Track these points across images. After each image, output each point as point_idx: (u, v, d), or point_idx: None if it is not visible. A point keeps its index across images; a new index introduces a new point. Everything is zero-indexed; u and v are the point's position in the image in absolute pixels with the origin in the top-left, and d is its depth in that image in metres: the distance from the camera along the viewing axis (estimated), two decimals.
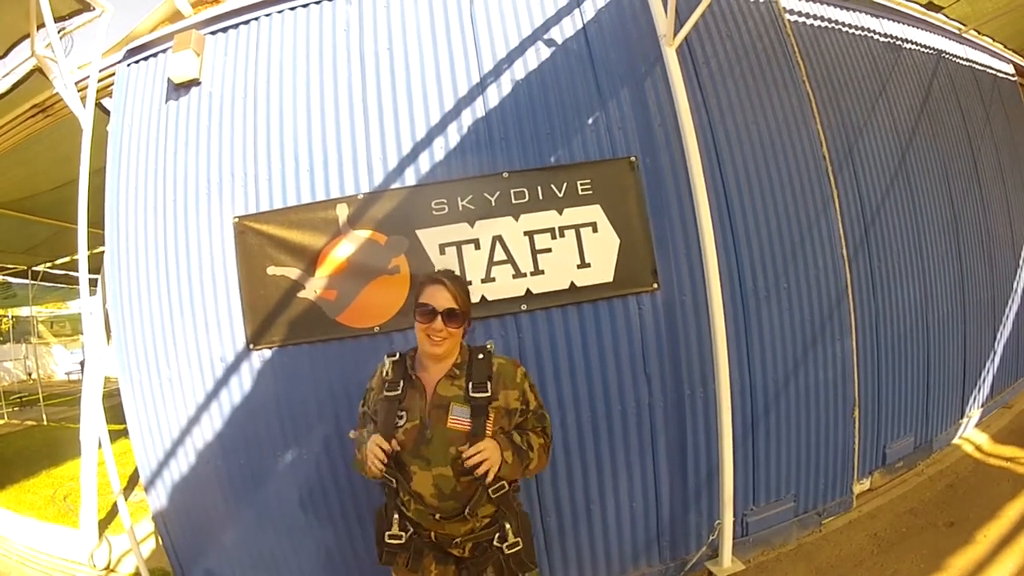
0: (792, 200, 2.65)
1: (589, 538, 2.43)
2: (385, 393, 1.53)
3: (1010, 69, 4.63)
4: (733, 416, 2.39)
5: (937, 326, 3.24)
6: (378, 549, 1.56)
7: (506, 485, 1.50)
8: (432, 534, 1.51)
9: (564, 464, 2.36)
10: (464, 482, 1.45)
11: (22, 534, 3.71)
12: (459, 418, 1.48)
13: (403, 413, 1.50)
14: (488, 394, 1.51)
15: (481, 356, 1.58)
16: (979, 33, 4.23)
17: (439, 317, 1.49)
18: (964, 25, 4.04)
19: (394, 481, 1.48)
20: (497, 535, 1.53)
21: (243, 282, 2.37)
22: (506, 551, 1.52)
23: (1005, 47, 4.54)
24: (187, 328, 2.42)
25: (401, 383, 1.53)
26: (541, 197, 2.36)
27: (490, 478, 1.42)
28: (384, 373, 1.57)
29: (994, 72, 4.40)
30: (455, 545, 1.51)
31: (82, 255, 2.71)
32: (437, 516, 1.46)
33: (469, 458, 1.40)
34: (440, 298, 1.51)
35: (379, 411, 1.52)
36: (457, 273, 1.64)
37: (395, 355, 1.61)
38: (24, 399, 10.66)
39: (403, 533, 1.51)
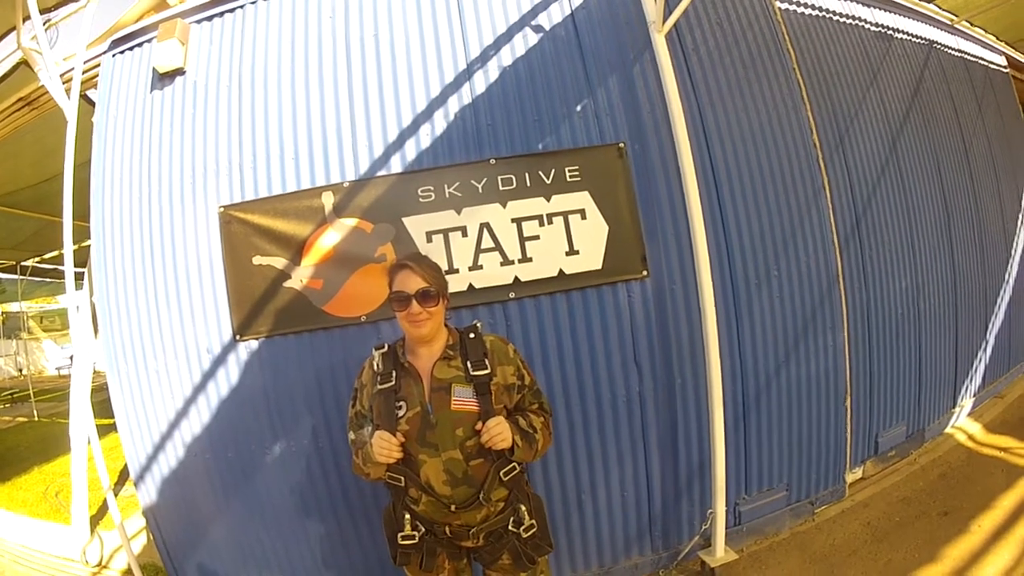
0: (783, 188, 2.64)
1: (581, 528, 2.41)
2: (379, 386, 1.50)
3: (1002, 61, 4.63)
4: (724, 405, 2.38)
5: (929, 315, 3.23)
6: (391, 551, 1.54)
7: (517, 467, 1.50)
8: (447, 528, 1.49)
9: (554, 454, 2.35)
10: (474, 465, 1.44)
11: (14, 531, 3.69)
12: (462, 399, 1.47)
13: (401, 403, 1.47)
14: (488, 371, 1.50)
15: (472, 335, 1.57)
16: (971, 24, 4.22)
17: (413, 301, 1.47)
18: (956, 16, 4.04)
19: (401, 480, 1.47)
20: (512, 519, 1.51)
21: (228, 272, 2.34)
22: (523, 534, 1.51)
23: (997, 39, 4.54)
24: (173, 320, 2.39)
25: (393, 373, 1.51)
26: (529, 184, 2.34)
27: (507, 445, 1.42)
28: (375, 366, 1.54)
29: (986, 63, 4.39)
30: (470, 536, 1.49)
31: (68, 249, 2.68)
32: (452, 507, 1.44)
33: (484, 436, 1.41)
34: (410, 282, 1.49)
35: (376, 406, 1.49)
36: (423, 254, 1.62)
37: (383, 346, 1.58)
38: (15, 395, 10.60)
39: (415, 533, 1.49)
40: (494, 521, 1.50)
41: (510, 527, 1.51)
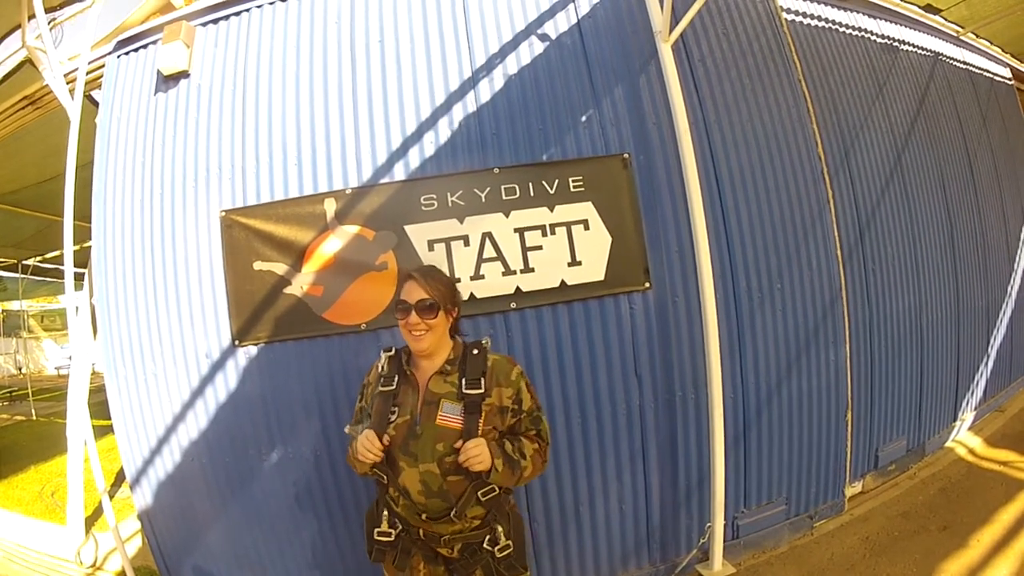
0: (787, 201, 2.63)
1: (578, 540, 2.40)
2: (380, 388, 1.53)
3: (1007, 73, 4.62)
4: (725, 418, 2.36)
5: (931, 329, 3.22)
6: (368, 546, 1.56)
7: (496, 489, 1.47)
8: (420, 531, 1.50)
9: (553, 466, 2.33)
10: (451, 481, 1.43)
11: (9, 530, 3.67)
12: (448, 415, 1.46)
13: (396, 408, 1.49)
14: (481, 391, 1.48)
15: (476, 352, 1.55)
16: (977, 36, 4.21)
17: (413, 311, 1.48)
18: (962, 28, 4.03)
19: (384, 477, 1.48)
20: (487, 538, 1.50)
21: (229, 277, 2.33)
22: (497, 554, 1.50)
23: (1003, 51, 4.53)
24: (172, 323, 2.39)
25: (396, 378, 1.53)
26: (532, 194, 2.32)
27: (484, 468, 1.40)
28: (380, 368, 1.57)
29: (991, 75, 4.39)
30: (443, 544, 1.49)
31: (68, 249, 2.67)
32: (423, 516, 1.44)
33: (461, 456, 1.39)
34: (413, 293, 1.50)
35: (375, 406, 1.52)
36: (436, 267, 1.63)
37: (391, 350, 1.60)
38: (13, 393, 10.58)
39: (392, 530, 1.51)
40: (468, 536, 1.49)
41: (485, 545, 1.50)
